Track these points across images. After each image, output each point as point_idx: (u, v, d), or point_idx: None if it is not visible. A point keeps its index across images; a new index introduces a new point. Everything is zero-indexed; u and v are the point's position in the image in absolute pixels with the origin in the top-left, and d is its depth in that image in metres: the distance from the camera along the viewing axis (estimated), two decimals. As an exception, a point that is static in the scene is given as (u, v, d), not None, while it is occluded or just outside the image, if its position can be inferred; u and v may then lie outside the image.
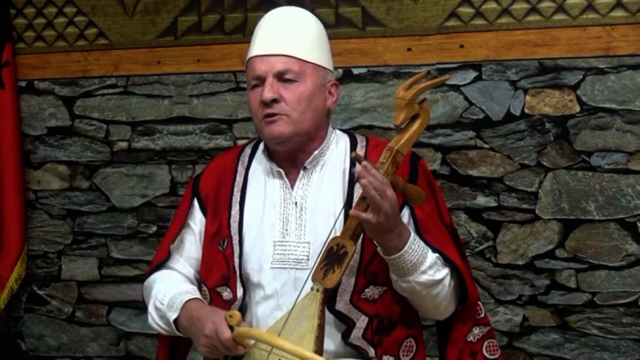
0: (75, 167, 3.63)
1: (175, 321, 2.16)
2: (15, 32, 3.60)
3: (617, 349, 3.13)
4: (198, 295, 2.22)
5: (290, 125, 2.14)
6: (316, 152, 2.21)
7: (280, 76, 2.13)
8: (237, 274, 2.19)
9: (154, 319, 2.24)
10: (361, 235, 2.05)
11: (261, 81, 2.15)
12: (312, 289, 2.01)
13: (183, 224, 2.32)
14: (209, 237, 2.28)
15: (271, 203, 2.21)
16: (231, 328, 1.99)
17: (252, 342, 2.01)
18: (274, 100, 2.13)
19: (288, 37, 2.17)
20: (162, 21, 3.44)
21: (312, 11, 3.19)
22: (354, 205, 2.03)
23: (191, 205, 2.33)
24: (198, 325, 2.07)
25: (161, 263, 2.31)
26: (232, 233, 2.22)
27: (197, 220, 2.32)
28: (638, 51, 3.02)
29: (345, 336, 2.12)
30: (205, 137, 3.46)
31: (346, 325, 2.12)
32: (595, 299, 3.14)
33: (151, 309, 2.25)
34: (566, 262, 3.15)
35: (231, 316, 1.99)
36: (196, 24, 3.41)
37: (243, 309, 2.19)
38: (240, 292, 2.18)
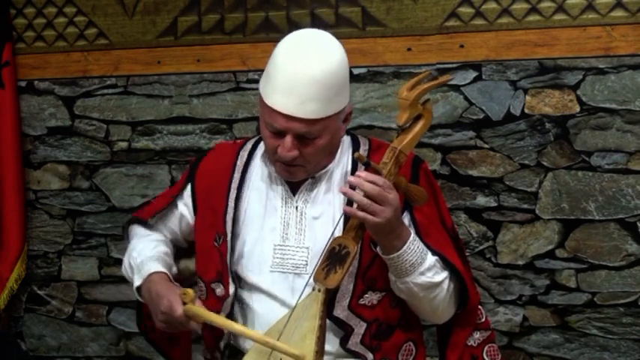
0: (75, 167, 3.63)
1: (138, 288, 2.23)
2: (15, 32, 3.59)
3: (617, 349, 3.13)
4: (167, 261, 2.28)
5: (306, 172, 2.15)
6: (330, 165, 2.19)
7: (300, 136, 2.06)
8: (229, 271, 2.19)
9: (126, 271, 2.33)
10: (362, 236, 2.05)
11: (279, 132, 2.08)
12: (313, 289, 2.01)
13: (171, 201, 2.37)
14: (202, 228, 2.29)
15: (272, 206, 2.21)
16: (186, 305, 2.05)
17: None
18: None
19: (313, 94, 2.01)
20: (163, 21, 3.44)
21: (312, 12, 3.25)
22: (354, 207, 2.03)
23: (184, 187, 2.37)
24: (156, 301, 2.11)
25: (143, 221, 2.40)
26: (227, 230, 2.22)
27: (183, 202, 2.36)
28: (638, 51, 3.02)
29: (344, 342, 2.13)
30: (205, 137, 3.46)
31: (344, 331, 2.12)
32: (595, 299, 3.14)
33: (125, 260, 2.34)
34: (566, 262, 3.15)
35: (185, 293, 2.04)
36: (196, 24, 3.41)
37: (244, 308, 2.21)
38: (232, 288, 2.19)
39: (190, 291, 2.05)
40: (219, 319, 2.06)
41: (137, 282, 2.23)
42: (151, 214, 2.40)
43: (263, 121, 2.12)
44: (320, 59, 2.03)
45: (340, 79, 2.06)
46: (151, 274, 2.20)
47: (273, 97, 2.05)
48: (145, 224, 2.41)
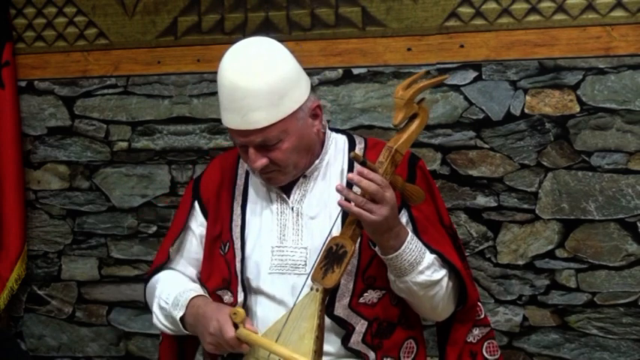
0: (75, 167, 3.63)
1: (181, 319, 2.17)
2: (15, 32, 3.60)
3: (617, 349, 3.13)
4: (202, 292, 2.23)
5: (286, 175, 2.15)
6: (317, 162, 2.20)
7: (261, 145, 2.07)
8: (239, 278, 2.18)
9: (159, 318, 2.25)
10: (360, 236, 2.05)
11: (243, 145, 2.10)
12: (311, 289, 2.01)
13: (183, 227, 2.31)
14: (210, 240, 2.27)
15: (269, 209, 2.21)
16: (236, 325, 2.00)
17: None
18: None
19: (253, 104, 2.02)
20: (163, 21, 3.44)
21: (312, 12, 3.25)
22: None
23: (192, 207, 2.32)
24: (204, 323, 2.07)
25: (161, 265, 2.32)
26: (234, 238, 2.22)
27: (198, 223, 2.32)
28: (638, 51, 3.02)
29: (345, 341, 2.13)
30: (205, 137, 3.46)
31: (345, 330, 2.12)
32: (595, 299, 3.14)
33: (155, 309, 2.25)
34: (566, 262, 3.15)
35: (235, 313, 2.00)
36: (196, 24, 3.41)
37: (245, 310, 2.19)
38: (241, 296, 2.18)
39: (241, 311, 2.01)
40: (271, 345, 1.99)
41: (179, 313, 2.17)
42: (168, 248, 2.31)
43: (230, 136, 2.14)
44: (253, 69, 2.03)
45: (281, 83, 2.04)
46: (191, 300, 2.16)
47: (223, 115, 2.10)
48: (163, 269, 2.33)
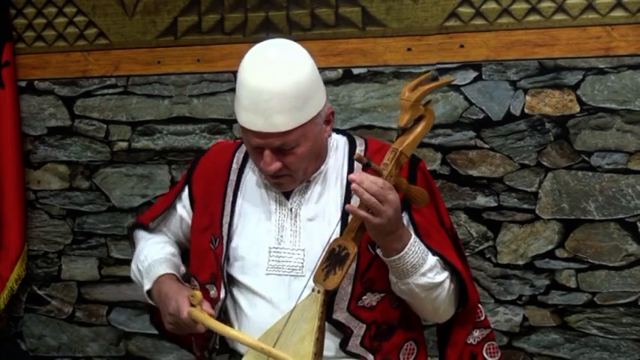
0: (75, 167, 3.63)
1: (148, 291, 2.26)
2: (15, 32, 3.59)
3: (617, 349, 3.13)
4: (175, 261, 2.31)
5: (295, 181, 2.15)
6: (322, 167, 2.19)
7: (278, 149, 2.06)
8: (224, 274, 2.20)
9: (135, 275, 2.36)
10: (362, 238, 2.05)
11: (258, 147, 2.08)
12: (312, 290, 2.01)
13: (170, 205, 2.38)
14: (198, 231, 2.29)
15: (267, 209, 2.21)
16: (194, 307, 2.07)
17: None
18: None
19: (278, 107, 2.00)
20: (163, 21, 3.44)
21: (312, 12, 3.25)
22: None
23: (182, 189, 2.37)
24: (165, 302, 2.14)
25: (144, 226, 2.42)
26: (223, 234, 2.22)
27: (182, 205, 2.37)
28: (638, 51, 3.02)
29: (343, 344, 2.13)
30: (205, 137, 3.46)
31: (344, 333, 2.13)
32: (595, 299, 3.14)
33: (133, 265, 2.36)
34: (566, 262, 3.15)
35: (193, 296, 2.06)
36: (196, 24, 3.41)
37: (239, 310, 2.21)
38: (223, 292, 2.19)
39: (198, 293, 2.06)
40: (218, 325, 2.06)
41: (147, 286, 2.26)
42: (150, 218, 2.41)
43: (243, 138, 2.13)
44: (280, 72, 2.01)
45: (305, 87, 2.03)
46: (159, 277, 2.23)
47: (242, 116, 2.06)
48: (148, 228, 2.42)
